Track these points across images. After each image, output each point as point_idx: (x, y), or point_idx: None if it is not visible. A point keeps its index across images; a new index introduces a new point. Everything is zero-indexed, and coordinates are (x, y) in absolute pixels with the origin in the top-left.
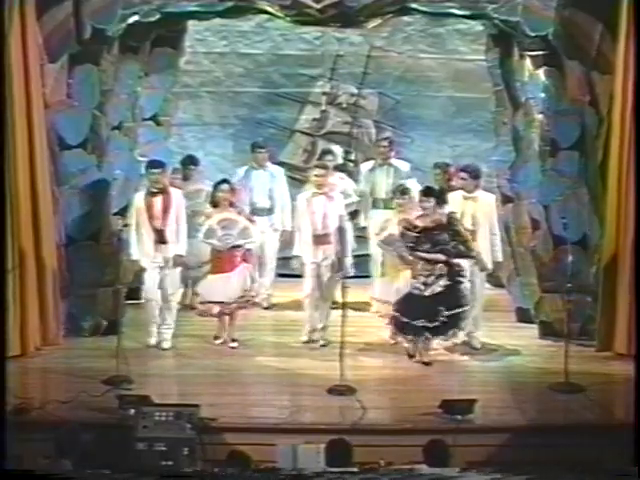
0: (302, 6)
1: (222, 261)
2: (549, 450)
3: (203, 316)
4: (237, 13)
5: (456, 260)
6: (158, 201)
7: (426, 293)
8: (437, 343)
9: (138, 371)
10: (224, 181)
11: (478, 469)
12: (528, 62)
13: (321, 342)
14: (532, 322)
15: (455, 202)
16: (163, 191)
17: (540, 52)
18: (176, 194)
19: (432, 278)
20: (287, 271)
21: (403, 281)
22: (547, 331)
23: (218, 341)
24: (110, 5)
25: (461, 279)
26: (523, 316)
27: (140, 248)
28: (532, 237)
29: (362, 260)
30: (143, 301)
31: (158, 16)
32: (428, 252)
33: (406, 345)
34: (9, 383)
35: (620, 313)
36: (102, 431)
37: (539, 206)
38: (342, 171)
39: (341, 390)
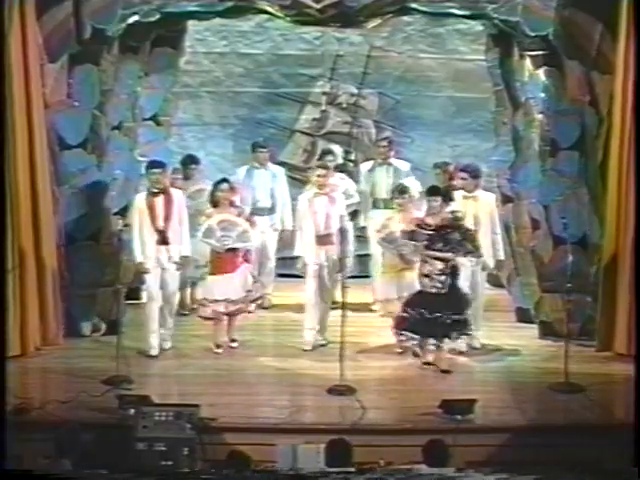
0: (302, 6)
1: (223, 261)
2: (549, 450)
3: (206, 318)
4: (237, 13)
5: (461, 259)
6: (159, 201)
7: (439, 292)
8: (450, 344)
9: (138, 371)
10: (223, 180)
11: (477, 469)
12: (528, 62)
13: (321, 342)
14: (532, 322)
15: (456, 202)
16: (164, 191)
17: (540, 52)
18: (177, 194)
19: (444, 277)
20: (286, 271)
21: (411, 280)
22: (547, 331)
23: (220, 350)
24: (110, 5)
25: (460, 279)
26: (523, 316)
27: (142, 249)
28: (532, 237)
29: (361, 260)
30: (144, 301)
31: (158, 16)
32: (441, 251)
33: (413, 346)
34: (9, 383)
35: (620, 313)
36: (102, 431)
37: (539, 206)
38: (342, 171)
39: (341, 390)
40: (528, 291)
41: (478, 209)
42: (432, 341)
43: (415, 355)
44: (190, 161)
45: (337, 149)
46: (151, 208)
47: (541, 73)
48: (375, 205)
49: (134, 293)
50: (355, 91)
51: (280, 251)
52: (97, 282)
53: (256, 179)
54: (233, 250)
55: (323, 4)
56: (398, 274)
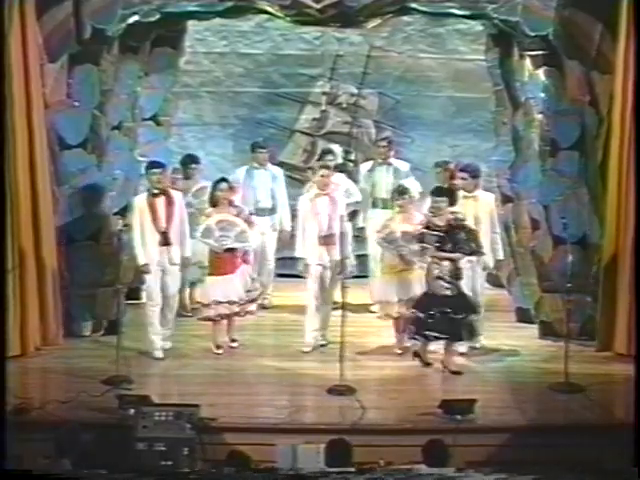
0: (302, 6)
1: (222, 262)
2: (549, 450)
3: (206, 319)
4: (237, 13)
5: (465, 259)
6: (161, 202)
7: (453, 293)
8: (458, 346)
9: (138, 371)
10: (222, 180)
11: (476, 469)
12: (528, 62)
13: (321, 342)
14: (532, 322)
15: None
16: (164, 192)
17: (540, 52)
18: (177, 196)
19: (455, 278)
20: (286, 271)
21: (409, 281)
22: (547, 331)
23: (220, 350)
24: (110, 5)
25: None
26: (523, 316)
27: (144, 250)
28: (532, 237)
29: (360, 260)
30: (144, 301)
31: (158, 16)
32: (451, 252)
33: (422, 349)
34: (9, 383)
35: (620, 313)
36: (102, 431)
37: (539, 206)
38: (342, 171)
39: (341, 390)
40: (528, 291)
41: (478, 209)
42: (441, 343)
43: (420, 359)
44: (190, 161)
45: (337, 149)
46: (152, 209)
47: (541, 73)
48: (374, 205)
49: (134, 293)
50: (355, 91)
51: (279, 251)
52: (97, 282)
53: (256, 179)
54: (232, 250)
55: (323, 4)
56: (397, 275)
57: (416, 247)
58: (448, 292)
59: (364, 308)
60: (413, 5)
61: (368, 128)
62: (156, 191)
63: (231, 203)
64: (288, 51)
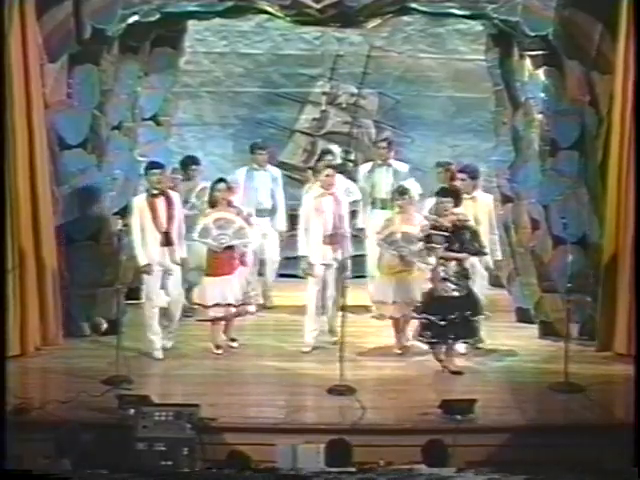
0: (302, 6)
1: (221, 262)
2: (549, 450)
3: (205, 320)
4: (237, 13)
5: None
6: (161, 202)
7: (460, 294)
8: (462, 347)
9: (138, 371)
10: (221, 180)
11: (476, 469)
12: (528, 62)
13: (328, 342)
14: (532, 322)
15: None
16: (164, 192)
17: (540, 52)
18: (176, 196)
19: (462, 279)
20: (286, 271)
21: (408, 283)
22: (547, 331)
23: (220, 350)
24: (110, 5)
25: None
26: (523, 316)
27: (145, 251)
28: (532, 237)
29: (358, 260)
30: (143, 301)
31: (158, 16)
32: (459, 252)
33: (426, 348)
34: (9, 383)
35: (620, 313)
36: (102, 431)
37: (539, 206)
38: (341, 172)
39: (341, 390)
40: (528, 291)
41: (476, 210)
42: (447, 341)
43: (445, 367)
44: (190, 162)
45: (336, 149)
46: (153, 209)
47: (541, 73)
48: (374, 206)
49: (134, 293)
50: (355, 91)
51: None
52: (97, 282)
53: (257, 181)
54: (230, 249)
55: (323, 4)
56: (395, 276)
57: (418, 248)
58: (456, 293)
59: (364, 308)
60: (413, 5)
61: (368, 128)
62: (155, 191)
63: (230, 203)
64: (288, 51)
